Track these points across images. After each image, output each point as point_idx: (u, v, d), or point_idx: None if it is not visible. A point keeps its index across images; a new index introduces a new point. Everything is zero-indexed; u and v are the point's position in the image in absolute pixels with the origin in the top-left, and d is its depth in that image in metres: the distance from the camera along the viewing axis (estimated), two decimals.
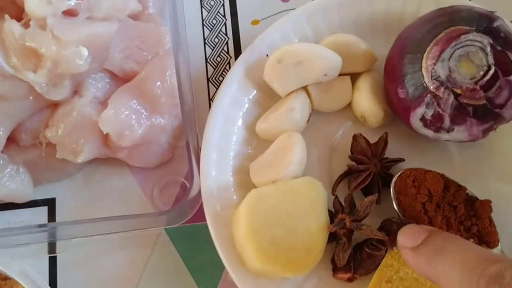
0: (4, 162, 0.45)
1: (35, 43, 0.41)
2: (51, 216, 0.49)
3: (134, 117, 0.45)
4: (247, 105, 0.48)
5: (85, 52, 0.41)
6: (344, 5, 0.49)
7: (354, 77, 0.48)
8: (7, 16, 0.42)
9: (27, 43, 0.41)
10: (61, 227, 0.46)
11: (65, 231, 0.46)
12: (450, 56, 0.41)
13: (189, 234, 0.48)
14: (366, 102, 0.46)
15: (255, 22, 0.54)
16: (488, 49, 0.40)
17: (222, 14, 0.54)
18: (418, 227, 0.37)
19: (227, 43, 0.54)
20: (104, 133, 0.44)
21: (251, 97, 0.48)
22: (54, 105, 0.46)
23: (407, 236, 0.37)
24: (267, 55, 0.48)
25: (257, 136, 0.48)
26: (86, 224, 0.44)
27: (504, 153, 0.47)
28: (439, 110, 0.41)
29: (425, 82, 0.41)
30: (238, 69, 0.48)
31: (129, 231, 0.46)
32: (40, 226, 0.45)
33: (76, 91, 0.45)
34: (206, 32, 0.54)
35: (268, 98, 0.48)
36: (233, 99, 0.48)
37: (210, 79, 0.52)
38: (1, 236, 0.43)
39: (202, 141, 0.46)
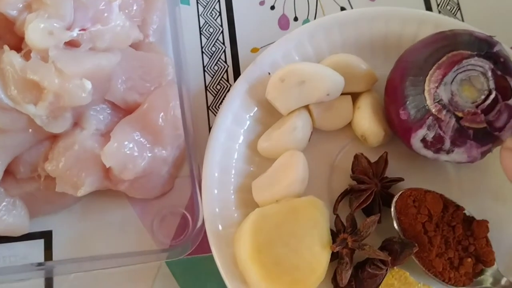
0: (1, 196, 0.43)
1: (37, 76, 0.39)
2: (48, 249, 0.47)
3: (137, 149, 0.44)
4: (248, 122, 0.48)
5: (88, 85, 0.40)
6: (345, 25, 0.49)
7: (355, 96, 0.48)
8: (6, 47, 0.40)
9: (28, 76, 0.39)
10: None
11: (63, 268, 0.45)
12: (452, 80, 0.41)
13: (191, 266, 0.47)
14: (367, 122, 0.46)
15: (254, 50, 0.54)
16: (489, 74, 0.41)
17: (222, 41, 0.54)
18: None
19: (226, 70, 0.53)
20: (107, 167, 0.43)
21: (252, 114, 0.48)
22: (54, 137, 0.44)
23: None
24: (269, 73, 0.48)
25: (258, 154, 0.48)
26: (84, 262, 0.43)
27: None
28: (440, 132, 0.42)
29: (427, 105, 0.42)
30: (240, 85, 0.48)
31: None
32: (39, 264, 0.44)
33: (76, 123, 0.44)
34: (206, 59, 0.53)
35: (269, 115, 0.49)
36: (235, 116, 0.47)
37: (210, 107, 0.52)
38: None
39: (204, 159, 0.46)
